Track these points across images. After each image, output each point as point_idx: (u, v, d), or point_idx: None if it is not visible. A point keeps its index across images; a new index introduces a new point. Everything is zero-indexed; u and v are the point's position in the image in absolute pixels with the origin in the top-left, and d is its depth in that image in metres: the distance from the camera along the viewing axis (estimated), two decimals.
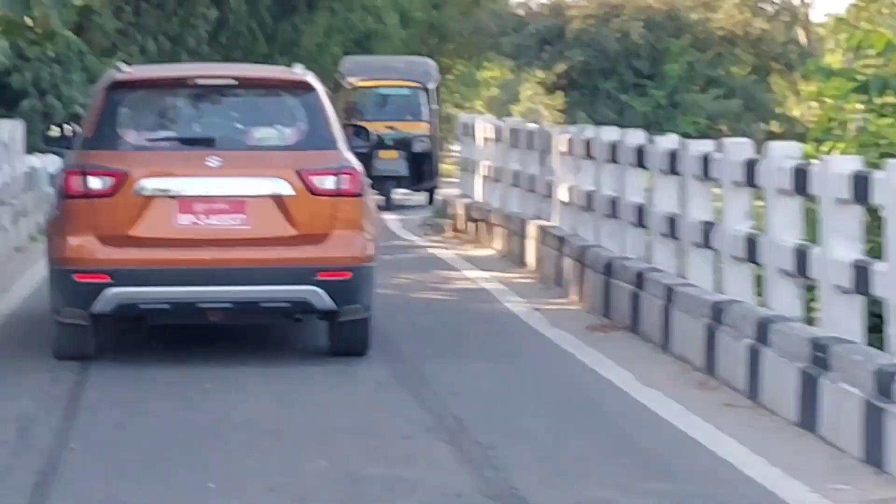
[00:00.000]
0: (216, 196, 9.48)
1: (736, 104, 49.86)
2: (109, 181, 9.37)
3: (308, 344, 10.63)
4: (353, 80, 28.78)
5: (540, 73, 54.59)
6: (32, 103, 29.44)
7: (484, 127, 19.32)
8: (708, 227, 9.91)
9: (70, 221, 9.55)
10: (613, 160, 12.54)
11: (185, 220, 9.42)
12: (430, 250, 18.20)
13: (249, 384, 9.17)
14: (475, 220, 18.50)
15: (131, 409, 8.29)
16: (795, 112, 54.58)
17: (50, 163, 23.15)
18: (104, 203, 9.40)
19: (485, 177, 18.67)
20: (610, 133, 13.00)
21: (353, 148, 10.46)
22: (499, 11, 54.65)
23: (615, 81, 49.93)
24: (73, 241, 9.45)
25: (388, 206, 25.85)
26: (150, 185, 9.42)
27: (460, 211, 20.02)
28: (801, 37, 54.84)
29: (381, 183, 25.00)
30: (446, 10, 53.67)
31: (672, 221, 10.75)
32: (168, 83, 10.76)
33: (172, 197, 9.44)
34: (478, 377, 9.44)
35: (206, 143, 10.04)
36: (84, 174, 9.41)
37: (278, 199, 9.46)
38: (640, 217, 11.64)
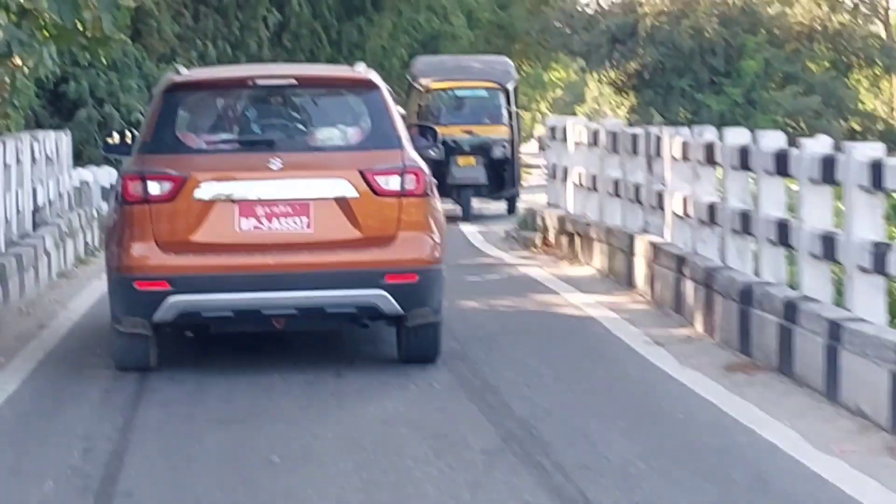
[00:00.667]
0: (278, 199, 9.21)
1: (815, 101, 48.37)
2: (168, 186, 9.15)
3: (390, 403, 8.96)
4: (426, 82, 26.46)
5: (611, 73, 52.88)
6: (89, 112, 28.45)
7: (577, 130, 17.26)
8: (881, 249, 8.08)
9: (129, 228, 9.30)
10: (744, 167, 10.73)
11: (246, 224, 9.18)
12: (522, 269, 16.26)
13: (326, 451, 7.63)
14: (569, 234, 16.60)
15: (182, 453, 7.53)
16: (876, 108, 52.90)
17: (105, 176, 21.72)
18: (164, 208, 9.17)
19: (577, 185, 16.79)
20: (738, 136, 11.15)
21: (420, 149, 10.18)
22: (568, 10, 53.15)
23: (689, 79, 48.84)
24: (132, 247, 9.23)
25: (467, 216, 24.30)
26: (210, 189, 9.19)
27: (551, 223, 18.04)
28: (881, 31, 53.04)
29: (459, 192, 24.15)
30: (514, 10, 52.60)
31: (828, 241, 8.91)
32: (227, 84, 10.57)
33: (233, 201, 9.19)
34: (610, 443, 7.52)
35: (267, 144, 9.76)
36: (143, 179, 9.17)
37: (342, 201, 9.23)
38: (783, 234, 9.80)
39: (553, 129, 19.11)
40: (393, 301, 9.10)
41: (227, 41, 32.92)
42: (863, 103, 52.61)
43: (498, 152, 24.56)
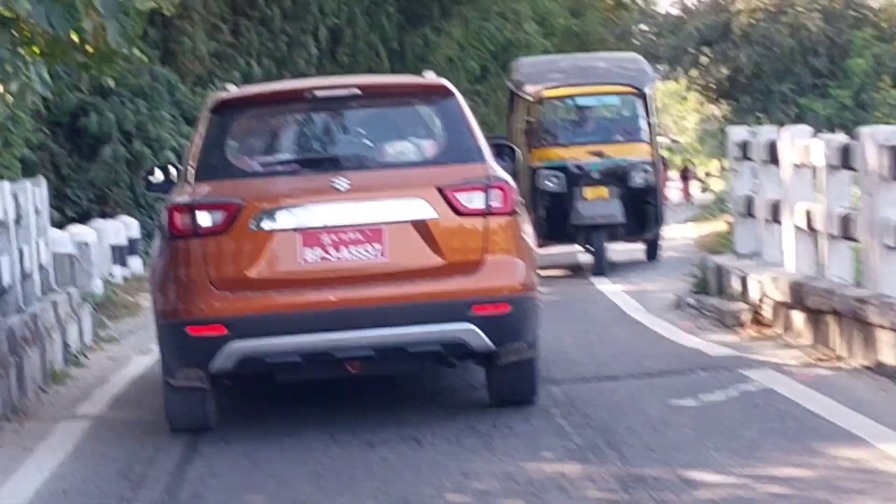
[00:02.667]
0: (347, 225, 8.20)
1: None
2: (221, 215, 8.17)
3: None
4: (536, 89, 18.78)
5: (699, 80, 48.71)
6: (115, 149, 24.86)
7: (801, 145, 10.79)
8: None
9: (178, 265, 8.31)
10: None
11: (311, 255, 8.18)
12: (752, 375, 9.12)
13: None
14: (809, 311, 10.04)
15: None
16: None
17: (118, 231, 17.40)
18: (217, 241, 8.19)
19: (804, 229, 10.64)
20: None
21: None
22: (650, 12, 49.04)
23: (791, 82, 45.03)
24: (182, 288, 8.23)
25: (601, 269, 17.34)
26: (268, 216, 8.18)
27: (767, 290, 11.16)
28: None
29: (588, 234, 17.40)
30: (587, 17, 48.45)
31: None
32: (282, 99, 9.53)
33: (296, 229, 8.17)
34: None
35: (331, 163, 8.80)
36: (192, 209, 8.19)
37: (420, 224, 8.21)
38: None
39: (744, 146, 12.83)
40: (483, 336, 8.10)
41: (273, 58, 29.21)
42: None
43: (638, 179, 17.33)
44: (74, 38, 14.59)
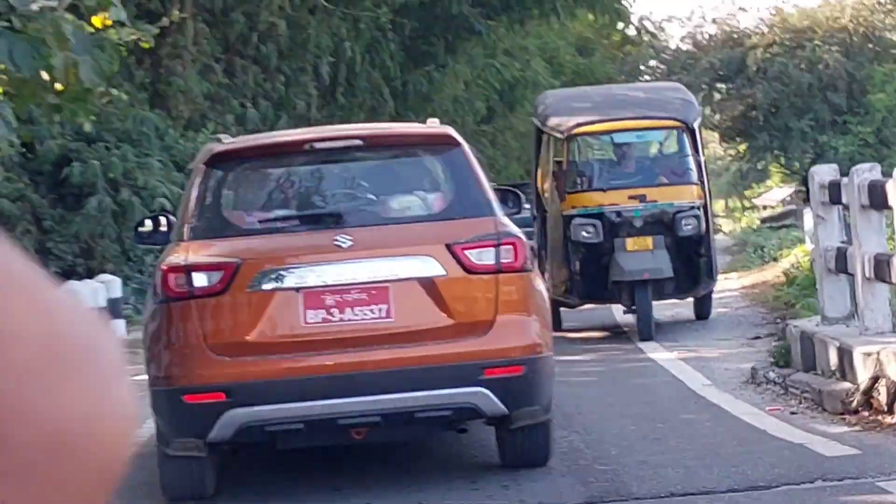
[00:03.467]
0: (350, 284, 7.81)
1: None
2: (218, 276, 7.78)
3: None
4: (566, 125, 15.48)
5: (714, 118, 47.11)
6: (101, 200, 23.06)
7: None
8: None
9: (173, 329, 7.87)
10: None
11: (314, 316, 7.76)
12: None
13: None
14: None
15: None
16: None
17: (93, 293, 15.50)
18: (213, 303, 7.79)
19: None
20: None
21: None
22: (660, 47, 47.51)
23: (809, 119, 43.31)
24: (178, 353, 7.84)
25: (648, 332, 14.13)
26: (268, 276, 7.82)
27: (887, 367, 8.65)
28: None
29: (631, 291, 14.27)
30: (595, 55, 47.39)
31: None
32: (280, 150, 9.02)
33: (297, 289, 7.79)
34: None
35: (333, 219, 8.32)
36: (186, 270, 7.80)
37: (427, 283, 7.82)
38: None
39: (834, 188, 10.39)
40: (495, 399, 7.65)
41: (270, 100, 27.36)
42: None
43: (688, 227, 14.26)
44: (45, 76, 13.03)
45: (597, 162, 15.73)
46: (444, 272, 7.79)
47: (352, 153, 8.72)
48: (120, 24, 12.71)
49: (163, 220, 9.16)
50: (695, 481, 7.37)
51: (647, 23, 48.61)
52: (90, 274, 22.91)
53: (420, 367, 7.66)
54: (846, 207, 10.32)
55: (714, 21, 48.07)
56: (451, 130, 8.85)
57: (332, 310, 7.71)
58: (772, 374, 10.81)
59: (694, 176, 15.02)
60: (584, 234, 14.23)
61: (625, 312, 14.88)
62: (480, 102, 36.03)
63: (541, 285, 8.58)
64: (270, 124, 26.38)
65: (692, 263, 14.62)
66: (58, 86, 12.96)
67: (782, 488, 7.07)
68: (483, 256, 7.84)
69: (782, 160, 44.38)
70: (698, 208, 14.55)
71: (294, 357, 7.79)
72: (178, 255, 7.94)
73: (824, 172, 11.03)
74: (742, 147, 47.35)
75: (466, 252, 7.80)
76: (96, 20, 13.46)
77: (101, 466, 0.24)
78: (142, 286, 23.57)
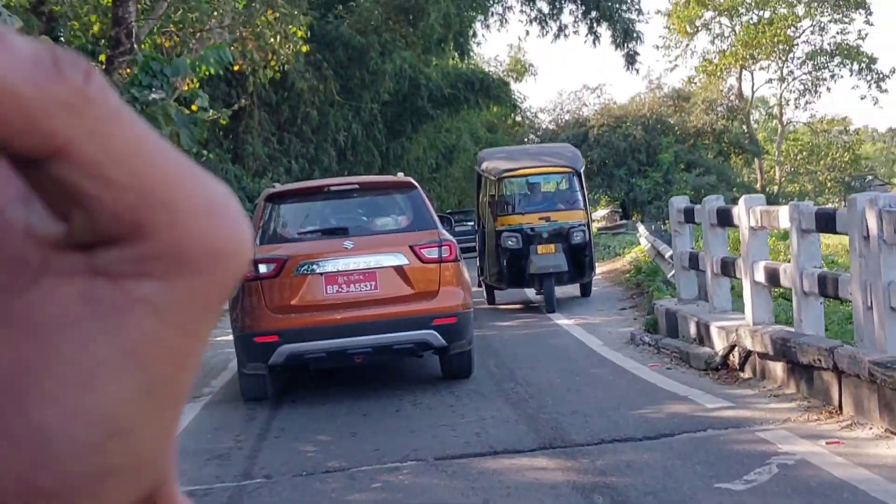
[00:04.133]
0: (353, 270, 7.53)
1: (711, 178, 41.51)
2: (273, 266, 7.51)
3: None
4: (497, 171, 14.47)
5: None
6: None
7: (758, 212, 7.20)
8: None
9: (248, 298, 7.49)
10: None
11: (331, 290, 7.49)
12: (787, 447, 5.19)
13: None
14: (795, 364, 6.30)
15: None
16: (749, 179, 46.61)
17: None
18: (271, 282, 7.48)
19: (760, 284, 7.17)
20: None
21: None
22: (536, 126, 46.29)
23: (624, 170, 41.68)
24: (251, 312, 7.48)
25: (552, 307, 12.90)
26: (303, 266, 7.54)
27: (742, 339, 7.20)
28: (744, 128, 46.48)
29: (541, 281, 12.99)
30: (498, 131, 45.69)
31: None
32: (309, 191, 8.67)
33: (321, 274, 7.52)
34: None
35: (342, 231, 7.98)
36: (255, 263, 7.19)
37: (399, 269, 7.60)
38: None
39: (688, 212, 9.17)
40: (440, 337, 7.52)
41: (306, 158, 25.63)
42: (742, 178, 45.91)
43: (577, 238, 13.25)
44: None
45: (518, 195, 13.96)
46: (408, 262, 7.59)
47: (353, 193, 8.43)
48: (204, 109, 11.16)
49: None
50: (618, 429, 5.87)
51: (528, 112, 47.45)
52: None
53: (395, 319, 7.44)
54: (697, 224, 9.06)
55: (567, 111, 47.18)
56: (411, 180, 8.54)
57: (342, 286, 7.49)
58: (646, 339, 9.27)
59: (580, 204, 13.67)
60: (510, 242, 12.92)
61: (536, 293, 13.42)
62: (432, 160, 34.52)
63: (465, 270, 8.14)
64: (307, 174, 24.97)
65: (580, 261, 13.23)
66: None
67: (683, 436, 5.58)
68: (431, 253, 7.66)
69: (608, 193, 42.99)
70: (584, 225, 13.30)
71: (320, 314, 7.48)
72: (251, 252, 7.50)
73: (680, 201, 9.67)
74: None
75: (421, 250, 7.63)
76: (194, 107, 11.92)
77: (233, 276, 0.22)
78: None
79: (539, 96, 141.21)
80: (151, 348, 0.20)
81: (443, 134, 34.57)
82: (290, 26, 14.64)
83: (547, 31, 26.03)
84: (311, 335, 7.39)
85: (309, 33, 14.66)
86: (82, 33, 14.45)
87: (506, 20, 27.09)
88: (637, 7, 26.54)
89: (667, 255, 12.82)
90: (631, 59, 26.78)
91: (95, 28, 13.99)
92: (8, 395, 0.20)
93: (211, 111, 12.17)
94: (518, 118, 47.20)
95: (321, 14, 24.18)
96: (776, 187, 47.63)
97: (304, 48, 14.41)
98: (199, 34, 14.43)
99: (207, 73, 12.34)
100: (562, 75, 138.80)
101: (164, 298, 0.20)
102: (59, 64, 0.20)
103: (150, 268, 0.20)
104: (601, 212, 56.17)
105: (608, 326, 10.88)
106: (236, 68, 15.03)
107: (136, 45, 12.98)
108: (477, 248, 14.79)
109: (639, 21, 27.75)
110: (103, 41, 14.13)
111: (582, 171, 14.30)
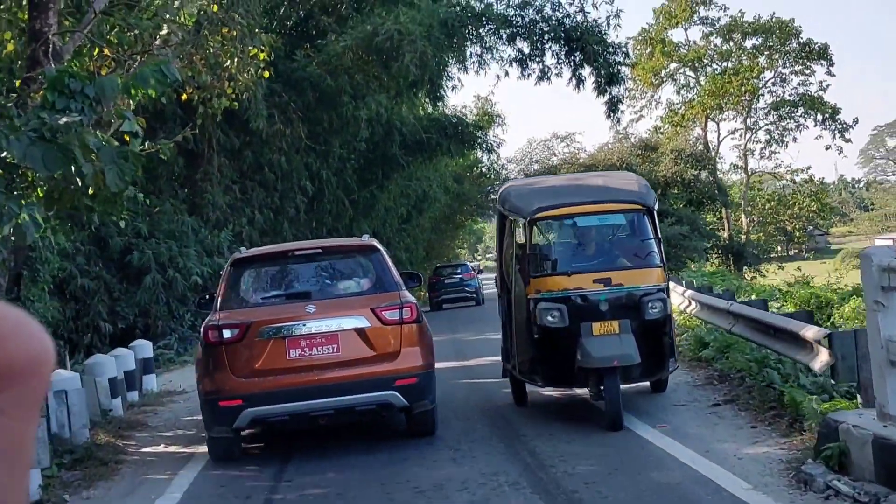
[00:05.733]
0: (315, 333, 7.20)
1: (684, 228, 38.93)
2: (237, 331, 7.20)
3: None
4: (528, 211, 7.98)
5: None
6: (154, 277, 18.77)
7: None
8: None
9: (211, 362, 7.25)
10: None
11: (294, 353, 7.17)
12: None
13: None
14: None
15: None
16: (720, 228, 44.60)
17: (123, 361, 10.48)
18: (235, 347, 7.18)
19: None
20: None
21: (409, 288, 7.85)
22: (503, 177, 44.06)
23: None
24: (215, 377, 7.20)
25: (618, 422, 7.18)
26: (267, 330, 7.20)
27: None
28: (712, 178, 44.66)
29: (599, 379, 7.24)
30: (464, 183, 43.44)
31: None
32: (274, 256, 8.17)
33: (283, 338, 7.19)
34: None
35: (305, 296, 7.60)
36: (219, 328, 7.24)
37: (360, 331, 7.24)
38: None
39: (893, 272, 4.94)
40: (402, 398, 7.18)
41: (271, 209, 22.73)
42: (713, 228, 43.88)
43: (654, 311, 7.43)
44: (79, 182, 8.45)
45: (559, 245, 8.30)
46: (369, 324, 7.26)
47: (316, 257, 7.99)
48: (134, 135, 8.21)
49: (209, 297, 8.10)
50: None
51: (495, 164, 45.11)
52: (146, 328, 18.70)
53: (357, 381, 7.12)
54: None
55: (536, 161, 45.00)
56: (374, 243, 8.06)
57: (304, 349, 7.19)
58: (841, 486, 5.01)
59: (657, 259, 7.87)
60: (549, 318, 7.52)
61: (592, 398, 7.75)
62: (403, 209, 31.83)
63: (428, 329, 7.69)
64: (271, 225, 22.01)
65: (658, 347, 7.67)
66: (90, 190, 8.47)
67: None
68: (392, 315, 7.30)
69: None
70: (662, 291, 7.65)
71: (283, 377, 7.15)
72: (214, 319, 7.36)
73: (883, 254, 5.20)
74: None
75: (382, 312, 7.29)
76: (126, 136, 9.04)
77: (48, 377, 0.22)
78: (181, 336, 19.37)
79: (507, 147, 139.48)
80: (2, 436, 0.23)
81: (413, 182, 31.90)
82: (249, 47, 11.77)
83: (529, 74, 23.44)
84: (275, 398, 7.10)
85: (272, 54, 11.79)
86: None
87: (484, 62, 24.33)
88: (624, 50, 24.16)
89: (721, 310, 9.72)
90: (613, 107, 24.37)
91: (10, 46, 11.06)
92: None
93: (148, 143, 9.25)
94: (485, 169, 45.06)
95: (287, 52, 21.49)
96: (743, 236, 45.66)
97: (266, 73, 11.53)
98: (139, 57, 11.47)
99: (146, 96, 9.43)
100: (530, 126, 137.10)
101: (4, 402, 0.23)
102: None
103: None
104: None
105: (723, 443, 6.53)
106: (185, 97, 12.13)
107: (55, 65, 10.01)
108: (501, 320, 9.07)
109: (625, 65, 25.27)
110: (20, 62, 11.18)
111: (656, 209, 8.14)
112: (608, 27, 23.56)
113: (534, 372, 7.84)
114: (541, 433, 7.38)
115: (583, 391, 8.33)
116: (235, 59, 11.56)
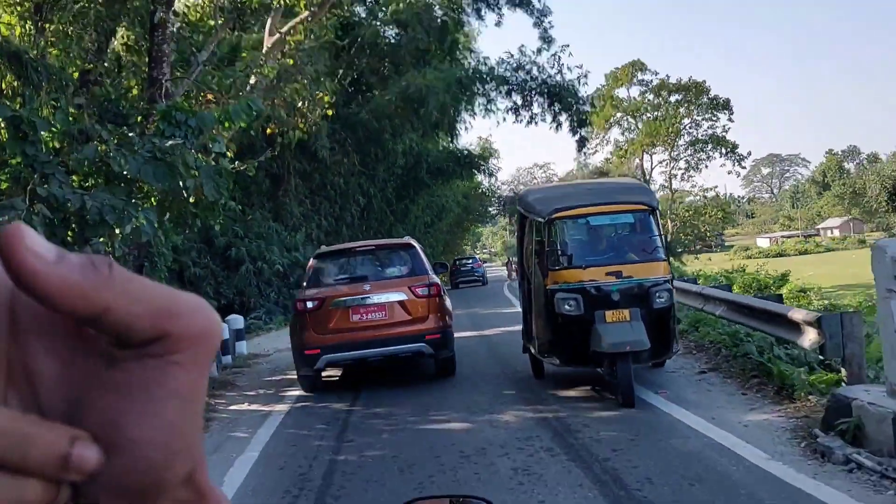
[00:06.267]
0: (369, 304, 7.03)
1: None
2: (317, 303, 7.06)
3: None
4: (546, 212, 6.30)
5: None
6: (247, 267, 17.45)
7: None
8: None
9: (300, 325, 7.12)
10: None
11: (355, 317, 7.02)
12: None
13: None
14: None
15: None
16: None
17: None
18: (316, 314, 7.04)
19: None
20: None
21: (438, 273, 7.98)
22: (498, 194, 42.62)
23: None
24: (302, 334, 7.07)
25: (630, 400, 5.56)
26: (337, 302, 7.04)
27: None
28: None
29: (613, 363, 5.65)
30: (470, 200, 40.74)
31: None
32: (342, 252, 7.89)
33: (348, 307, 7.02)
34: None
35: (363, 278, 7.35)
36: (304, 301, 7.10)
37: (401, 302, 7.03)
38: None
39: None
40: (429, 348, 7.05)
41: (333, 217, 21.37)
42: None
43: (661, 300, 5.85)
44: (184, 193, 7.23)
45: (574, 241, 6.47)
46: (407, 297, 7.01)
47: (370, 252, 7.75)
48: (222, 155, 7.13)
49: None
50: None
51: (492, 186, 43.77)
52: (242, 304, 17.55)
53: (399, 336, 6.94)
54: None
55: (522, 184, 43.59)
56: (411, 240, 7.85)
57: (362, 314, 7.01)
58: (863, 459, 3.77)
59: (662, 253, 6.25)
60: (566, 307, 6.10)
61: (606, 377, 6.11)
62: (427, 218, 30.53)
63: (447, 301, 7.42)
64: (334, 229, 20.92)
65: (665, 332, 6.06)
66: (192, 199, 7.35)
67: None
68: (423, 291, 7.06)
69: None
70: (668, 282, 6.11)
71: (347, 333, 6.94)
72: (302, 294, 7.22)
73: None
74: None
75: (416, 289, 7.04)
76: (217, 156, 7.91)
77: (214, 348, 0.25)
78: (268, 309, 18.26)
79: (502, 172, 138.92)
80: (184, 389, 0.25)
81: (435, 198, 30.67)
82: (316, 92, 10.57)
83: (521, 119, 22.31)
84: (342, 348, 7.06)
85: (334, 98, 10.63)
86: (123, 98, 10.30)
87: (489, 109, 23.23)
88: (591, 100, 23.02)
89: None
90: (581, 144, 23.29)
91: (134, 91, 9.90)
92: (114, 424, 0.25)
93: (237, 162, 8.09)
94: (484, 190, 43.78)
95: (344, 102, 20.34)
96: (670, 237, 44.19)
97: (329, 112, 10.37)
98: (233, 99, 10.22)
99: (238, 127, 8.24)
100: (517, 156, 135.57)
101: (184, 359, 0.24)
102: (94, 263, 0.25)
103: (174, 348, 0.24)
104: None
105: (723, 410, 5.31)
106: (269, 131, 10.96)
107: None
108: (521, 305, 7.58)
109: (592, 111, 24.08)
110: (142, 103, 10.03)
111: (658, 209, 6.55)
112: (579, 84, 22.44)
113: (552, 353, 6.41)
114: (560, 400, 6.22)
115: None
116: (306, 101, 10.40)
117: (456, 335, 7.50)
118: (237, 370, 9.13)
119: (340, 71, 21.76)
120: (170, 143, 6.83)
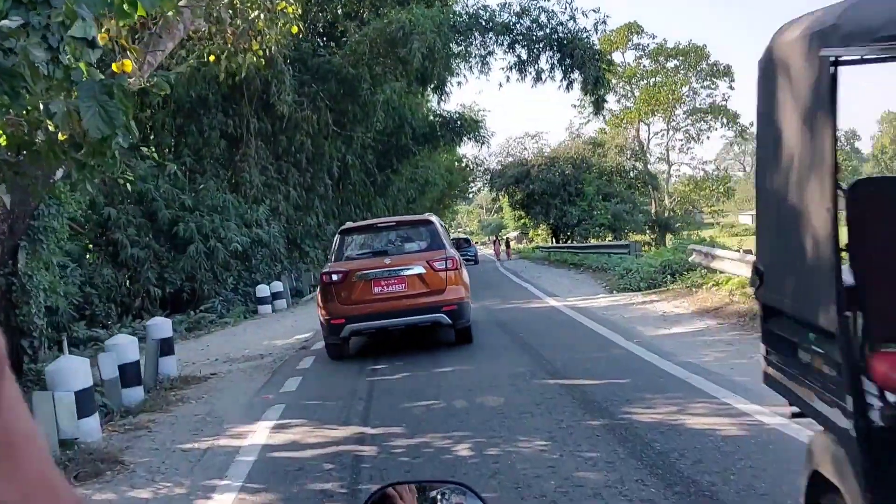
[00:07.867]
0: (390, 276, 7.30)
1: (627, 206, 36.18)
2: (341, 275, 7.33)
3: None
4: None
5: (513, 197, 39.29)
6: (197, 247, 14.67)
7: None
8: None
9: (326, 295, 7.38)
10: None
11: (377, 289, 7.29)
12: None
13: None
14: None
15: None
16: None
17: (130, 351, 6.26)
18: (340, 285, 7.32)
19: None
20: None
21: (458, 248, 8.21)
22: (486, 168, 39.99)
23: (558, 199, 35.93)
24: (328, 304, 7.35)
25: None
26: (360, 275, 7.32)
27: None
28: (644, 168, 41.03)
29: None
30: (454, 173, 38.57)
31: None
32: (365, 228, 8.12)
33: (370, 280, 7.30)
34: None
35: (384, 253, 7.63)
36: (330, 273, 7.38)
37: (420, 275, 7.30)
38: None
39: None
40: (448, 318, 7.34)
41: (302, 187, 18.45)
42: (646, 207, 40.24)
43: None
44: (50, 126, 4.01)
45: None
46: (425, 271, 7.28)
47: (392, 227, 7.96)
48: (91, 43, 4.03)
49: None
50: None
51: (476, 158, 41.24)
52: (193, 292, 14.64)
53: (418, 307, 7.23)
54: None
55: (510, 155, 41.01)
56: (431, 216, 7.94)
57: (384, 286, 7.28)
58: None
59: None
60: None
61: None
62: (411, 191, 27.68)
63: (465, 274, 7.65)
64: (304, 201, 17.96)
65: None
66: (61, 136, 4.36)
67: None
68: (440, 265, 7.30)
69: (545, 220, 36.88)
70: None
71: (370, 304, 7.25)
72: (328, 268, 7.48)
73: None
74: (524, 214, 39.33)
75: (434, 263, 7.30)
76: (115, 66, 4.94)
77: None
78: (225, 298, 15.36)
79: (491, 140, 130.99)
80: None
81: (419, 170, 27.85)
82: (278, 1, 7.52)
83: (525, 76, 19.34)
84: (366, 318, 7.25)
85: (299, 10, 7.60)
86: None
87: (486, 64, 20.20)
88: (608, 58, 20.18)
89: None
90: (598, 105, 20.34)
91: None
92: None
93: (148, 77, 5.14)
94: (467, 163, 41.04)
95: (313, 48, 17.27)
96: (668, 212, 42.07)
97: (294, 28, 7.40)
98: None
99: (135, 16, 5.16)
100: (507, 124, 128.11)
101: None
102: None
103: None
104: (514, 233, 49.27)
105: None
106: (212, 58, 7.92)
107: None
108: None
109: (609, 70, 21.24)
110: None
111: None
112: (596, 32, 19.54)
113: None
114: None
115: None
116: (264, 14, 7.38)
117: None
118: (147, 416, 5.64)
119: (310, 15, 18.57)
120: (2, 23, 3.82)
